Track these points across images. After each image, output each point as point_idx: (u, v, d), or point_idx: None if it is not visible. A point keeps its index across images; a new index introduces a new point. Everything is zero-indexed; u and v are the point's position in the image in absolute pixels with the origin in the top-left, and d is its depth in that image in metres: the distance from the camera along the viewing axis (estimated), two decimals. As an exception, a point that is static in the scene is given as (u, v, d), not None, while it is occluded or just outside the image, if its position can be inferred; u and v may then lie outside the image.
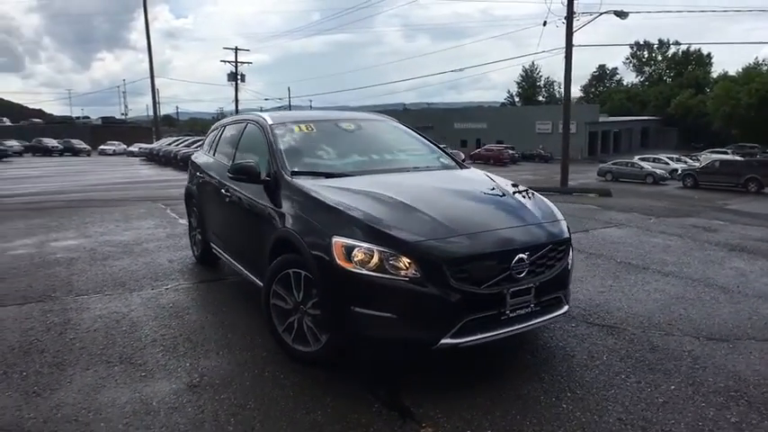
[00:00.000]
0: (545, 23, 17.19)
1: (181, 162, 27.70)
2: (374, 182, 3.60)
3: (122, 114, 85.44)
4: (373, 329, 2.91)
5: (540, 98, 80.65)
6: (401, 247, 2.86)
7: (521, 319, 3.03)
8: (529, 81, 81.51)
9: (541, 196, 3.78)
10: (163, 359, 3.45)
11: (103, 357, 3.47)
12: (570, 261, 3.38)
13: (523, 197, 3.62)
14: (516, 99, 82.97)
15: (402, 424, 2.68)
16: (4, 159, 39.45)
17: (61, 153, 50.25)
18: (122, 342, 3.71)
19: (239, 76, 52.30)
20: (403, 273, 2.83)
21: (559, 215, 3.51)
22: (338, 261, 2.91)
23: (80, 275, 5.35)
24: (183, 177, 19.57)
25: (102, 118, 78.15)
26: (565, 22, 16.68)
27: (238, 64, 50.64)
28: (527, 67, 79.75)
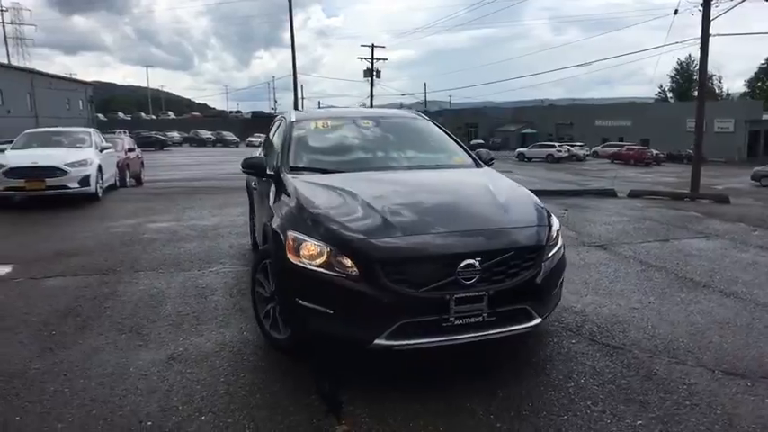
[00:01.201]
0: (676, 12, 15.38)
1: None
2: (359, 179, 3.63)
3: (272, 109, 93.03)
4: (314, 323, 2.98)
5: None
6: (340, 244, 2.88)
7: (469, 328, 2.87)
8: (684, 75, 73.24)
9: (533, 199, 3.51)
10: (164, 332, 3.82)
11: (119, 326, 3.94)
12: (547, 270, 3.10)
13: (506, 200, 3.39)
14: (669, 95, 75.11)
15: (322, 417, 2.71)
16: (165, 149, 45.23)
17: (214, 144, 56.23)
18: (142, 314, 4.17)
19: (375, 73, 54.53)
20: (345, 270, 2.85)
21: (540, 221, 3.23)
22: (288, 254, 3.01)
23: (149, 254, 6.07)
24: None
25: (252, 112, 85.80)
26: (701, 9, 14.77)
27: (374, 60, 52.75)
28: (682, 59, 71.78)
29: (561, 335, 3.70)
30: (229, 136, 58.69)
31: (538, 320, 3.05)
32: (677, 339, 3.61)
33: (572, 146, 46.21)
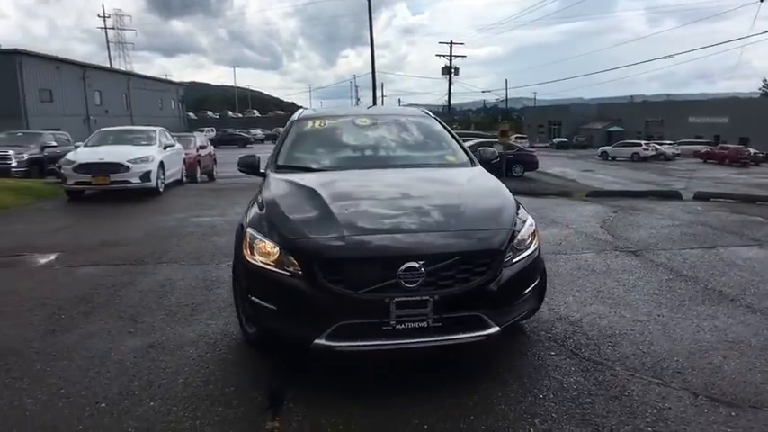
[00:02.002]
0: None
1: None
2: (333, 178, 3.64)
3: (355, 107, 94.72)
4: (263, 319, 3.03)
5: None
6: (285, 243, 2.89)
7: (412, 333, 2.77)
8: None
9: (504, 202, 3.31)
10: (157, 321, 4.02)
11: (121, 313, 4.20)
12: (507, 276, 2.91)
13: (472, 202, 3.23)
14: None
15: (260, 413, 2.74)
16: (247, 146, 47.34)
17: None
18: (145, 303, 4.41)
19: (453, 70, 54.27)
20: (291, 269, 2.86)
21: (502, 225, 3.04)
22: (244, 251, 3.07)
23: (180, 247, 6.40)
24: None
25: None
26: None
27: (453, 58, 52.50)
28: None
29: (543, 345, 3.49)
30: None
31: (494, 330, 2.88)
32: (671, 358, 3.28)
33: (660, 144, 43.24)
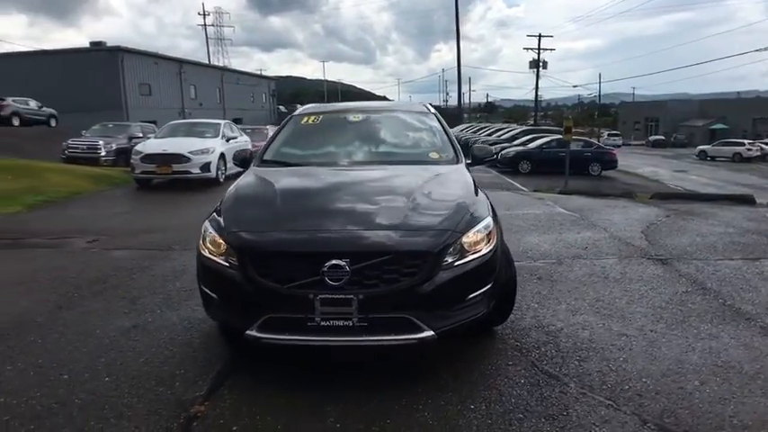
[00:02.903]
0: None
1: (464, 147, 29.78)
2: (298, 173, 3.80)
3: (444, 101, 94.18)
4: (209, 307, 3.14)
5: None
6: (225, 236, 2.98)
7: (338, 331, 2.75)
8: None
9: (461, 203, 3.16)
10: (153, 304, 4.28)
11: (125, 294, 4.51)
12: (445, 279, 2.79)
13: (425, 201, 3.14)
14: None
15: (193, 396, 2.85)
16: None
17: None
18: (152, 287, 4.71)
19: (542, 64, 52.48)
20: (231, 260, 2.94)
21: (445, 226, 2.91)
22: (200, 242, 3.20)
23: (210, 234, 6.73)
24: None
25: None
26: None
27: (541, 51, 50.75)
28: None
29: (504, 353, 3.32)
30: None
31: (427, 334, 2.78)
32: (639, 378, 3.00)
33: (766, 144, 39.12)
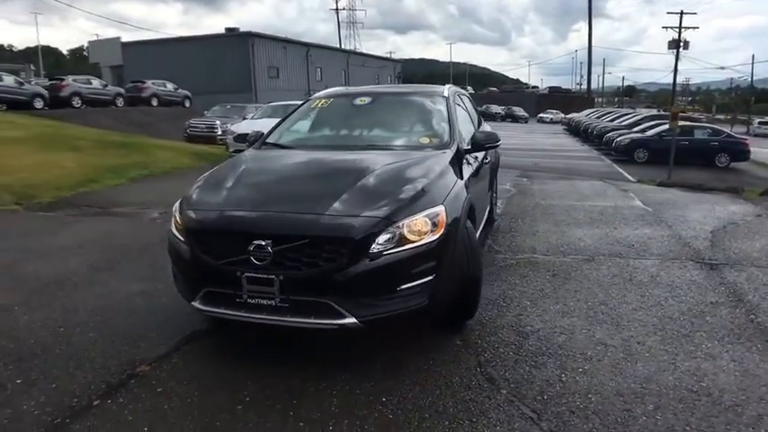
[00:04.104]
0: None
1: (584, 133, 27.96)
2: (279, 155, 3.90)
3: (577, 84, 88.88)
4: (174, 279, 3.37)
5: None
6: (180, 214, 3.17)
7: (262, 309, 2.83)
8: None
9: (409, 192, 3.01)
10: (168, 275, 4.54)
11: (154, 263, 4.90)
12: (369, 267, 2.72)
13: (371, 187, 3.06)
14: None
15: (143, 359, 3.11)
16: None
17: (503, 119, 57.20)
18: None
19: (682, 44, 47.39)
20: (185, 237, 3.13)
21: (376, 214, 2.81)
22: (171, 220, 3.44)
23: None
24: (571, 149, 20.18)
25: (550, 87, 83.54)
26: None
27: (683, 30, 45.79)
28: None
29: (452, 351, 3.15)
30: (519, 111, 58.70)
31: (349, 320, 2.74)
32: (585, 394, 2.68)
33: None
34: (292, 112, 4.68)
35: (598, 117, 30.81)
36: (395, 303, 2.85)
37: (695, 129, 17.87)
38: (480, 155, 4.38)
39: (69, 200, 8.03)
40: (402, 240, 2.82)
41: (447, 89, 4.63)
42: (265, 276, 2.78)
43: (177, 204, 3.37)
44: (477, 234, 4.54)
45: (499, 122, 52.22)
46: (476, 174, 4.20)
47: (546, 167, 13.82)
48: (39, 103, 20.40)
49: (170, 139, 16.73)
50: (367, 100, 4.49)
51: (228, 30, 40.67)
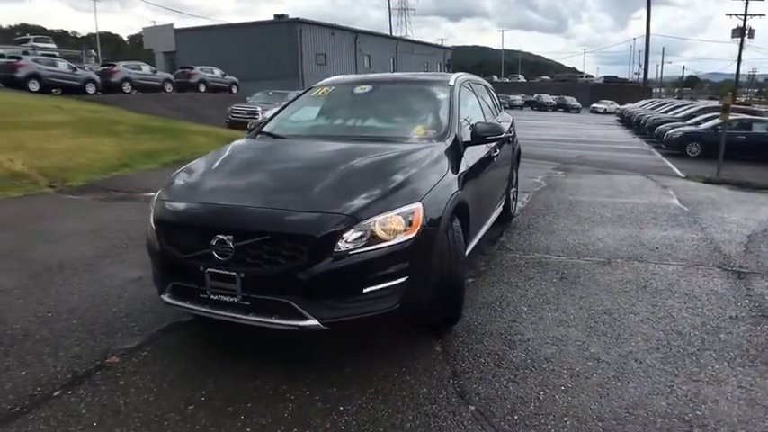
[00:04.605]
0: None
1: (636, 125, 26.69)
2: (266, 146, 3.80)
3: (635, 74, 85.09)
4: (152, 270, 3.32)
5: None
6: (153, 202, 3.10)
7: (226, 306, 2.73)
8: None
9: (389, 185, 2.84)
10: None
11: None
12: (332, 267, 2.57)
13: (343, 183, 2.89)
14: None
15: (115, 349, 3.08)
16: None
17: (554, 109, 55.47)
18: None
19: (747, 32, 44.47)
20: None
21: (342, 209, 2.65)
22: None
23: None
24: (621, 142, 19.34)
25: (605, 77, 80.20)
26: None
27: (748, 17, 42.95)
28: None
29: (428, 360, 2.94)
30: (571, 101, 56.65)
31: (310, 322, 2.60)
32: (560, 417, 2.43)
33: None
34: (294, 100, 4.54)
35: (652, 108, 29.29)
36: (362, 306, 2.69)
37: (754, 122, 16.59)
38: (485, 147, 4.11)
39: (99, 184, 8.24)
40: (373, 239, 2.65)
41: (455, 78, 4.37)
42: (227, 273, 2.67)
43: (155, 194, 3.31)
44: (482, 232, 4.30)
45: (550, 112, 50.80)
46: (479, 168, 3.96)
47: (589, 161, 13.20)
48: (91, 88, 21.20)
49: (213, 124, 17.03)
50: (367, 89, 4.30)
51: (277, 16, 41.08)
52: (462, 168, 3.55)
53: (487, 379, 2.74)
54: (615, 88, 69.47)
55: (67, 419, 2.47)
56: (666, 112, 25.47)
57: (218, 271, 2.69)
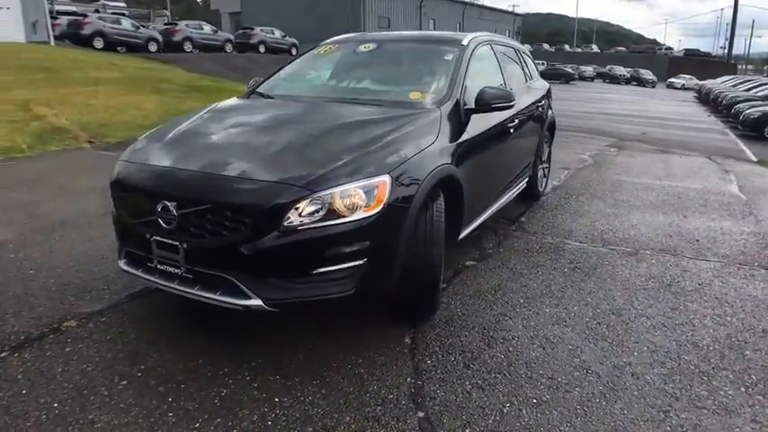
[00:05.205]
0: None
1: (713, 102, 24.59)
2: (250, 106, 3.55)
3: (720, 48, 78.53)
4: None
5: None
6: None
7: (173, 278, 2.52)
8: None
9: (357, 152, 2.53)
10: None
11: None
12: (280, 243, 2.30)
13: (313, 149, 2.60)
14: None
15: (75, 313, 2.97)
16: (571, 82, 44.74)
17: (627, 81, 52.29)
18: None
19: None
20: None
21: (295, 179, 2.35)
22: None
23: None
24: (693, 120, 18.01)
25: (686, 50, 74.42)
26: None
27: None
28: None
29: (392, 352, 2.64)
30: (646, 74, 53.01)
31: (253, 302, 2.35)
32: (493, 426, 2.10)
33: None
34: (296, 58, 4.24)
35: (733, 86, 26.72)
36: (312, 288, 2.41)
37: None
38: (498, 117, 3.66)
39: (135, 140, 8.34)
40: (331, 214, 2.35)
41: (471, 37, 3.90)
42: (170, 242, 2.47)
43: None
44: (490, 212, 3.91)
45: (623, 85, 47.88)
46: (488, 140, 3.54)
47: (652, 138, 12.15)
48: (153, 47, 21.66)
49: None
50: (371, 47, 3.92)
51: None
52: (463, 138, 3.16)
53: (450, 381, 2.42)
54: (696, 63, 64.50)
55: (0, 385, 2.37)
56: (749, 90, 23.16)
57: (163, 240, 2.49)
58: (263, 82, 3.99)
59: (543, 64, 51.78)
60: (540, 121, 4.96)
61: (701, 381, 2.46)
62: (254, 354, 2.60)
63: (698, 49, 74.79)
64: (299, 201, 2.31)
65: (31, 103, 9.90)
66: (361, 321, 2.90)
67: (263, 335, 2.78)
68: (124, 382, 2.38)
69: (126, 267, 2.76)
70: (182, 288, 2.51)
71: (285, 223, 2.31)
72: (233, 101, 3.70)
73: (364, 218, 2.38)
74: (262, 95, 3.73)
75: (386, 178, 2.45)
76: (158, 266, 2.56)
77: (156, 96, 11.36)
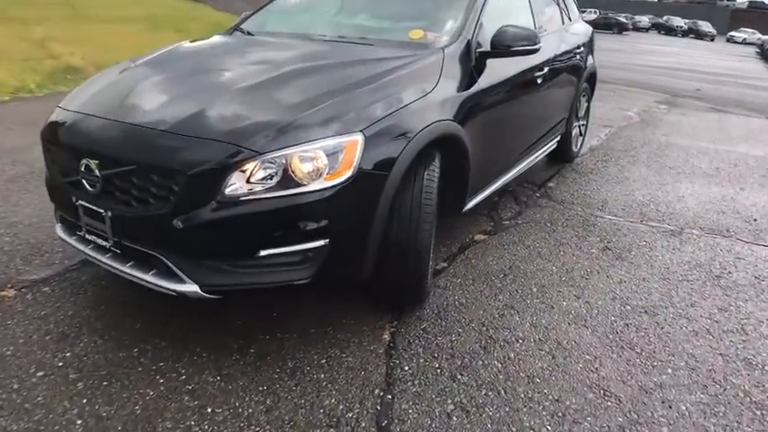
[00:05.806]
0: None
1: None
2: (224, 44, 3.03)
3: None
4: None
5: None
6: None
7: (104, 251, 2.10)
8: None
9: (323, 103, 2.00)
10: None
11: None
12: (221, 216, 1.82)
13: (272, 98, 2.10)
14: None
15: (22, 279, 2.60)
16: (623, 33, 42.01)
17: (685, 34, 48.96)
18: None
19: None
20: None
21: (237, 137, 1.85)
22: None
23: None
24: (753, 77, 16.58)
25: (750, 1, 68.33)
26: None
27: None
28: None
29: (363, 352, 2.18)
30: (706, 27, 49.18)
31: (188, 288, 1.90)
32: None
33: None
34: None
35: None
36: (259, 274, 1.94)
37: None
38: (520, 63, 3.02)
39: (146, 83, 7.93)
40: (287, 181, 1.85)
41: None
42: (95, 209, 2.02)
43: None
44: (506, 179, 3.34)
45: (679, 38, 44.75)
46: (506, 90, 2.93)
47: (707, 95, 11.03)
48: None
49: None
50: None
51: None
52: (472, 89, 2.57)
53: (428, 398, 1.94)
54: (761, 15, 59.44)
55: None
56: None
57: (89, 205, 2.05)
58: (251, 15, 3.44)
59: (595, 12, 48.56)
60: (577, 72, 4.24)
61: (752, 416, 1.91)
62: (201, 344, 2.17)
63: (763, 2, 68.60)
64: (242, 163, 1.81)
65: (47, 41, 9.59)
66: (337, 305, 2.43)
67: (222, 319, 2.35)
68: (40, 374, 2.00)
69: (61, 234, 2.35)
70: (112, 264, 2.08)
71: (227, 191, 1.82)
72: (207, 40, 3.16)
73: (326, 188, 1.87)
74: (244, 32, 3.19)
75: (357, 137, 1.92)
76: (87, 236, 2.14)
77: (181, 36, 10.80)
